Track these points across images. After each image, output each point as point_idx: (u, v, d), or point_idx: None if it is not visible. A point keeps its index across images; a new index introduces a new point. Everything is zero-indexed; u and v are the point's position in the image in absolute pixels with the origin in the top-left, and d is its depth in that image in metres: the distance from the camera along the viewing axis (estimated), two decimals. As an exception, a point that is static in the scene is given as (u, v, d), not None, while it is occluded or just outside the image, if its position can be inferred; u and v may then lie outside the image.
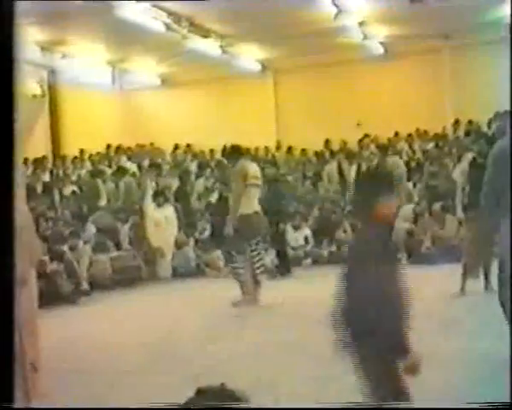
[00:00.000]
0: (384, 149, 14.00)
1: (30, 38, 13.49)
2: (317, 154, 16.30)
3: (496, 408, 2.74)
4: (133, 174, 14.51)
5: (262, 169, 14.32)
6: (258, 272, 7.99)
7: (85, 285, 9.77)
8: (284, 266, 10.82)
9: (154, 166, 14.20)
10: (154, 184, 12.75)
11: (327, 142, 16.51)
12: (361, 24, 14.23)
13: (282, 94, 17.55)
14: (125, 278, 10.51)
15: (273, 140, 17.43)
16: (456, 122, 15.56)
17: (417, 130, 15.80)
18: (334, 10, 12.99)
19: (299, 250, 11.94)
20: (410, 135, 15.68)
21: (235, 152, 8.49)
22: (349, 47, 15.52)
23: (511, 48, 5.63)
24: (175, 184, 13.94)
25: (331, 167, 14.22)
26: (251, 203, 7.97)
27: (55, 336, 6.79)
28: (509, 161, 4.09)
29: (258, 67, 17.27)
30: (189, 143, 17.60)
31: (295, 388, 4.58)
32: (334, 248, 12.00)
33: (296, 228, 12.04)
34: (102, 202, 13.20)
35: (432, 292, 7.76)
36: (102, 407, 4.12)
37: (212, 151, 16.99)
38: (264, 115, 17.44)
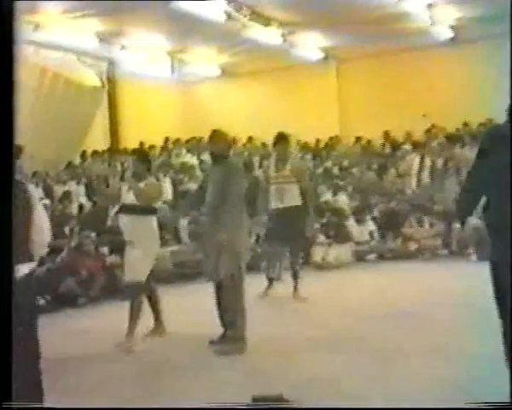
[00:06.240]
0: (453, 139, 13.45)
1: (89, 29, 13.49)
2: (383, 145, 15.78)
3: (496, 408, 2.82)
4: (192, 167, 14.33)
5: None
6: None
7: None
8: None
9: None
10: None
11: (387, 133, 15.97)
12: (429, 7, 13.61)
13: (345, 83, 17.11)
14: (185, 272, 10.35)
15: (335, 131, 16.96)
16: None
17: (489, 119, 15.00)
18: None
19: (364, 245, 11.52)
20: (481, 125, 14.92)
21: None
22: (415, 33, 14.85)
23: (511, 47, 5.27)
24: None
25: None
26: None
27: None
28: None
29: (320, 55, 16.86)
30: (251, 136, 17.24)
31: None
32: (399, 244, 11.56)
33: (360, 222, 11.64)
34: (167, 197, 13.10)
35: None
36: (102, 407, 4.17)
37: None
38: (326, 105, 17.03)
